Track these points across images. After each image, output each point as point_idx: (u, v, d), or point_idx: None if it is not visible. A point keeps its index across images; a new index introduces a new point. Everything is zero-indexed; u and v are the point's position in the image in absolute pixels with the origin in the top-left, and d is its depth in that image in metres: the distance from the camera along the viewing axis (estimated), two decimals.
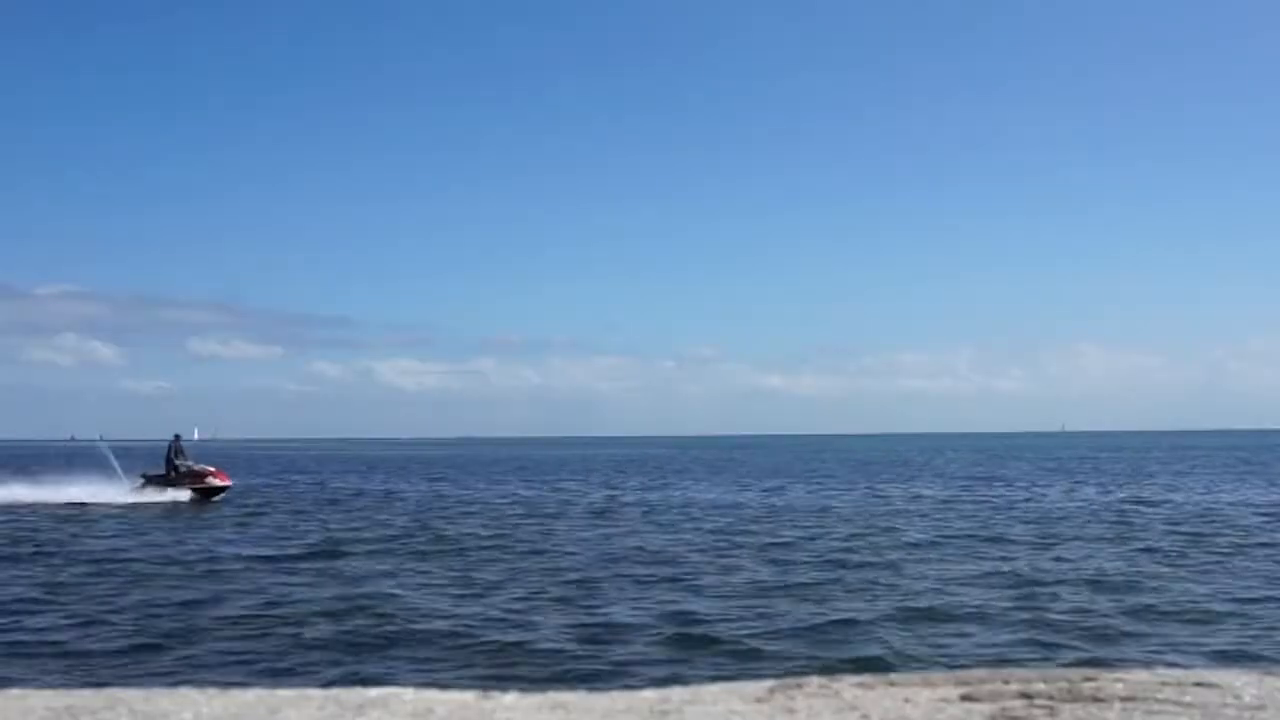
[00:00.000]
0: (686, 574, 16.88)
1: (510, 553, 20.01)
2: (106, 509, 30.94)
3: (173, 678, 10.02)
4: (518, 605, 14.13)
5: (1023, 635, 12.01)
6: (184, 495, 33.36)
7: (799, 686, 2.33)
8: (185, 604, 14.55)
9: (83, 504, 31.82)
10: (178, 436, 35.08)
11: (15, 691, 2.30)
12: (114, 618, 13.50)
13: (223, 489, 34.95)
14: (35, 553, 20.57)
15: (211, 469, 35.41)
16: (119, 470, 35.39)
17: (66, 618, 13.52)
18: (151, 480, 34.19)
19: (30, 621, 13.37)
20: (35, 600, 15.08)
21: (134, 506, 31.76)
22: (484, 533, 24.30)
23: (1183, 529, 23.59)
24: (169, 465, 34.36)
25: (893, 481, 45.74)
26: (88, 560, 19.30)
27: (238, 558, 19.66)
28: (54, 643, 12.08)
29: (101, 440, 42.09)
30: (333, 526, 26.26)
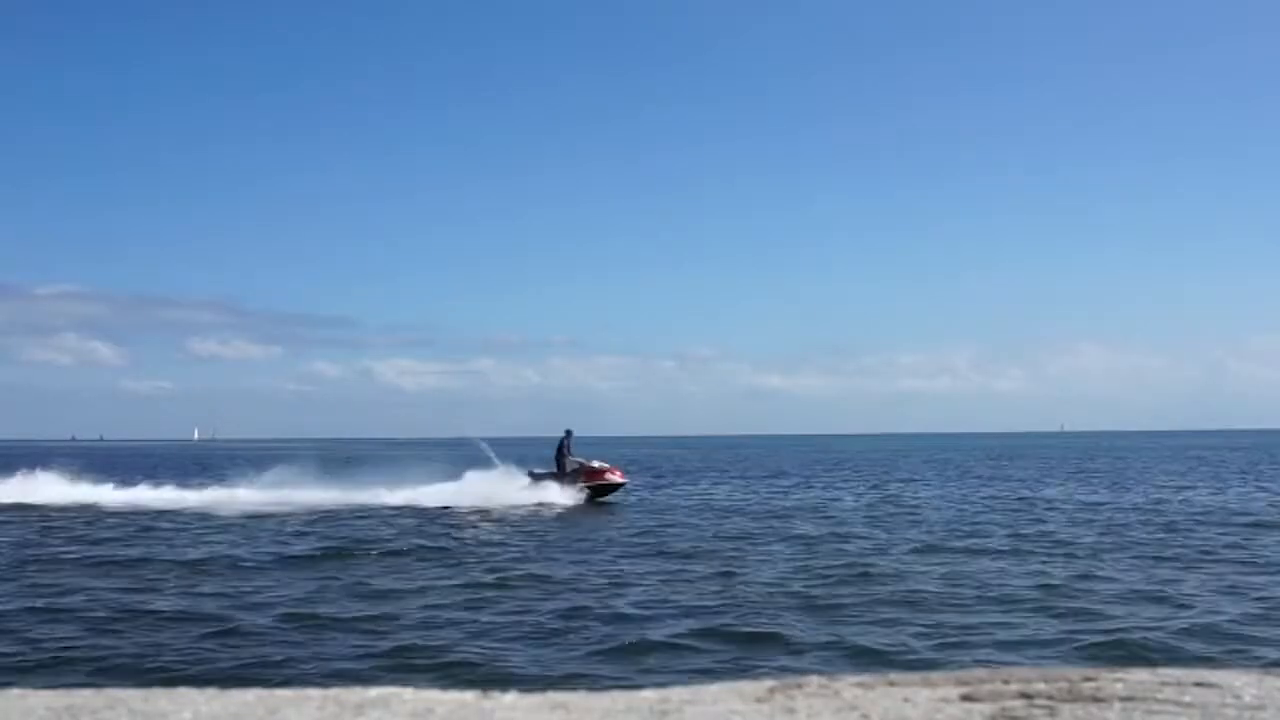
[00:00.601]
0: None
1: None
2: (507, 511, 28.79)
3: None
4: None
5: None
6: (578, 494, 30.97)
7: (799, 686, 2.33)
8: None
9: (484, 507, 29.41)
10: (569, 432, 32.55)
11: (15, 691, 2.30)
12: None
13: (619, 486, 32.64)
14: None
15: (607, 465, 32.93)
16: (500, 467, 32.91)
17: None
18: (540, 478, 31.85)
19: None
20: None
21: (538, 507, 29.41)
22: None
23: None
24: (559, 462, 32.08)
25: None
26: None
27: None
28: None
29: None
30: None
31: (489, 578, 16.23)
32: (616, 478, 32.61)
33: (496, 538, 22.64)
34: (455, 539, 22.34)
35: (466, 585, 15.60)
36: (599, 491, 31.75)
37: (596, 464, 32.69)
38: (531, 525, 25.34)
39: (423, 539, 22.10)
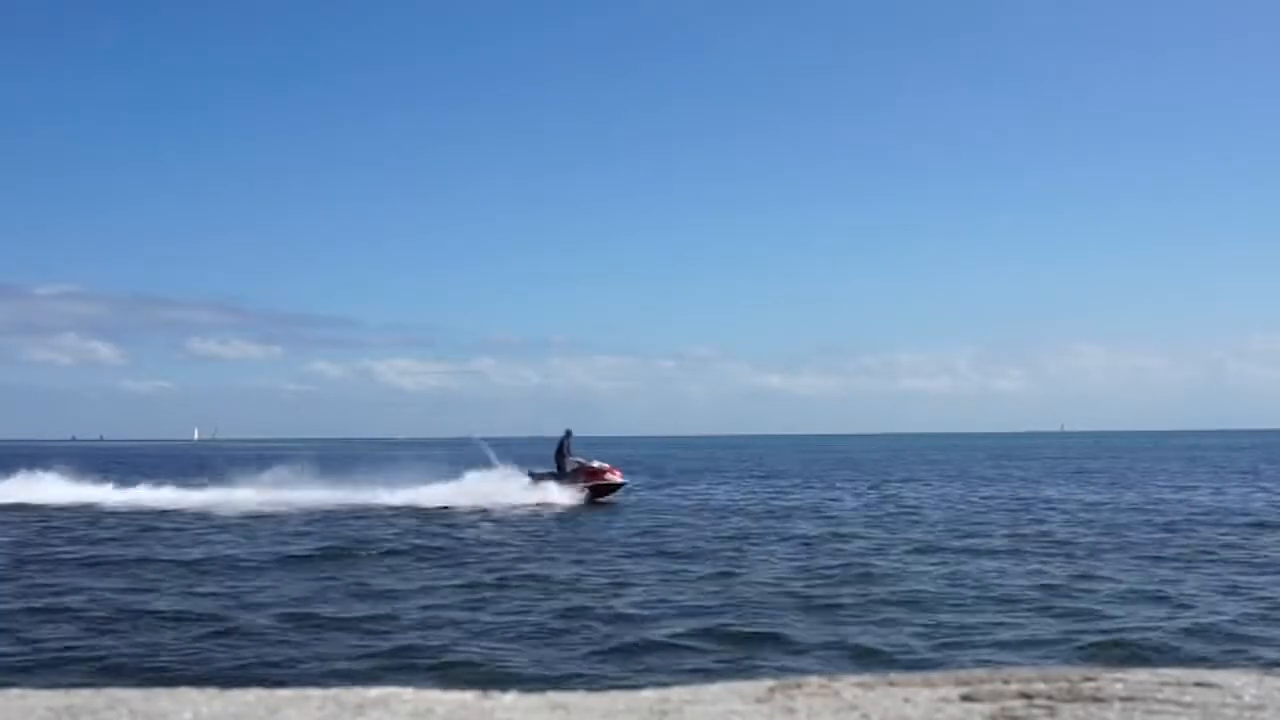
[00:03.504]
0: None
1: None
2: (507, 511, 28.46)
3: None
4: None
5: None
6: (578, 494, 30.93)
7: (799, 686, 2.33)
8: None
9: (484, 508, 29.05)
10: (569, 433, 32.69)
11: (15, 691, 2.30)
12: None
13: (619, 486, 32.75)
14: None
15: (607, 465, 32.97)
16: (499, 467, 32.77)
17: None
18: (540, 478, 31.77)
19: None
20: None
21: (538, 507, 29.30)
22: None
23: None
24: (559, 462, 32.16)
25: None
26: None
27: None
28: None
29: (476, 437, 36.42)
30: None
31: (489, 578, 16.17)
32: (616, 478, 32.65)
33: (496, 538, 22.53)
34: (455, 539, 22.23)
35: (467, 585, 15.55)
36: (599, 491, 31.77)
37: (596, 464, 32.69)
38: (531, 526, 25.26)
39: (421, 539, 22.05)
